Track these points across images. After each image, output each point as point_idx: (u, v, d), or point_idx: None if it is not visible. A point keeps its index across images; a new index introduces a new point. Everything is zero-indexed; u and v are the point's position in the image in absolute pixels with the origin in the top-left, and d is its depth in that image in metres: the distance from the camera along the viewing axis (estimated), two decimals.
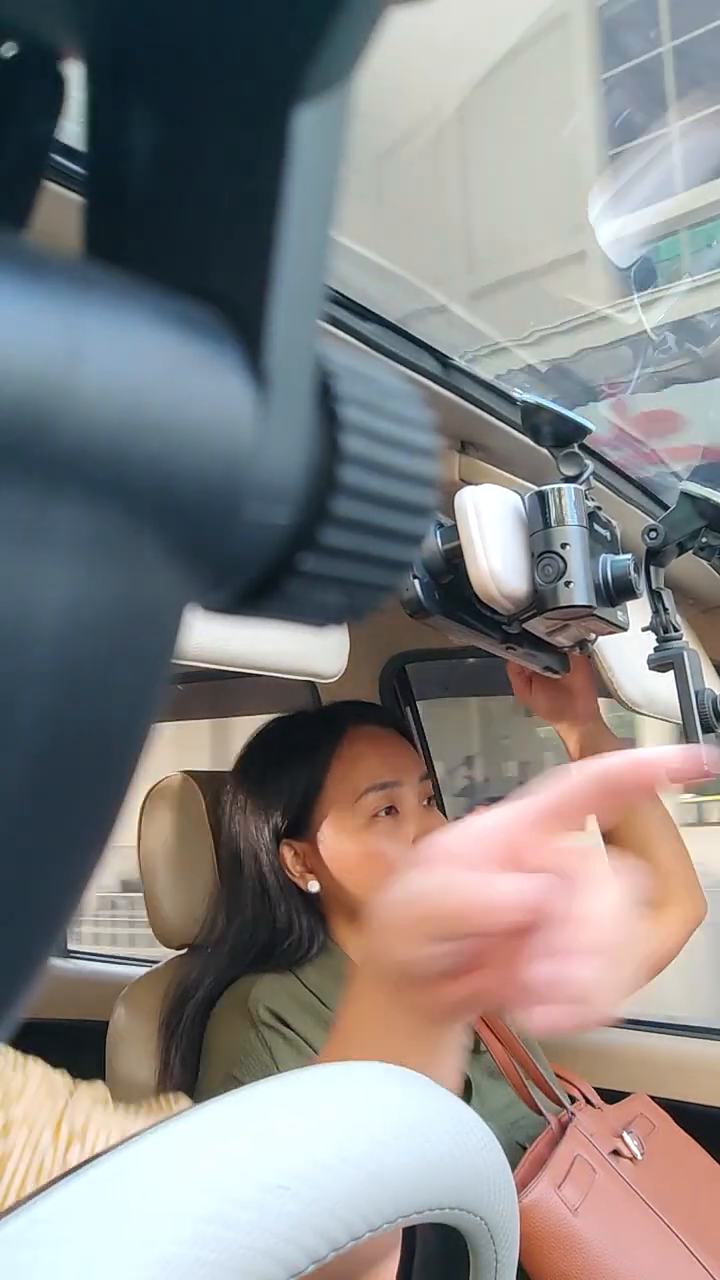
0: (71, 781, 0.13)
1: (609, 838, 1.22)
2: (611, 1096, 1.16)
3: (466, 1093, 1.03)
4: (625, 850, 1.21)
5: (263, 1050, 0.94)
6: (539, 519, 0.67)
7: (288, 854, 1.04)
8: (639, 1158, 1.03)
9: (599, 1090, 1.17)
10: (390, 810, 1.04)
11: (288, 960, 1.01)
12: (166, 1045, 1.04)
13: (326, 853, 1.03)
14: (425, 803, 1.09)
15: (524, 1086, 1.06)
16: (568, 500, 0.67)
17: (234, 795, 1.10)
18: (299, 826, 1.04)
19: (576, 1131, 1.00)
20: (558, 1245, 0.89)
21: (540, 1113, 1.03)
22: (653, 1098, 1.19)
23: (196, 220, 0.14)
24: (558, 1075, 1.13)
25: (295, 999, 0.98)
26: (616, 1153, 1.02)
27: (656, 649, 0.80)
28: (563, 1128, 1.00)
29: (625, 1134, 1.05)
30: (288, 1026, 0.95)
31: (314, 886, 1.03)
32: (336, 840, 1.03)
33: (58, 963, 1.91)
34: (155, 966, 1.26)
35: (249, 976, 1.01)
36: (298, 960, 1.02)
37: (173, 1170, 0.23)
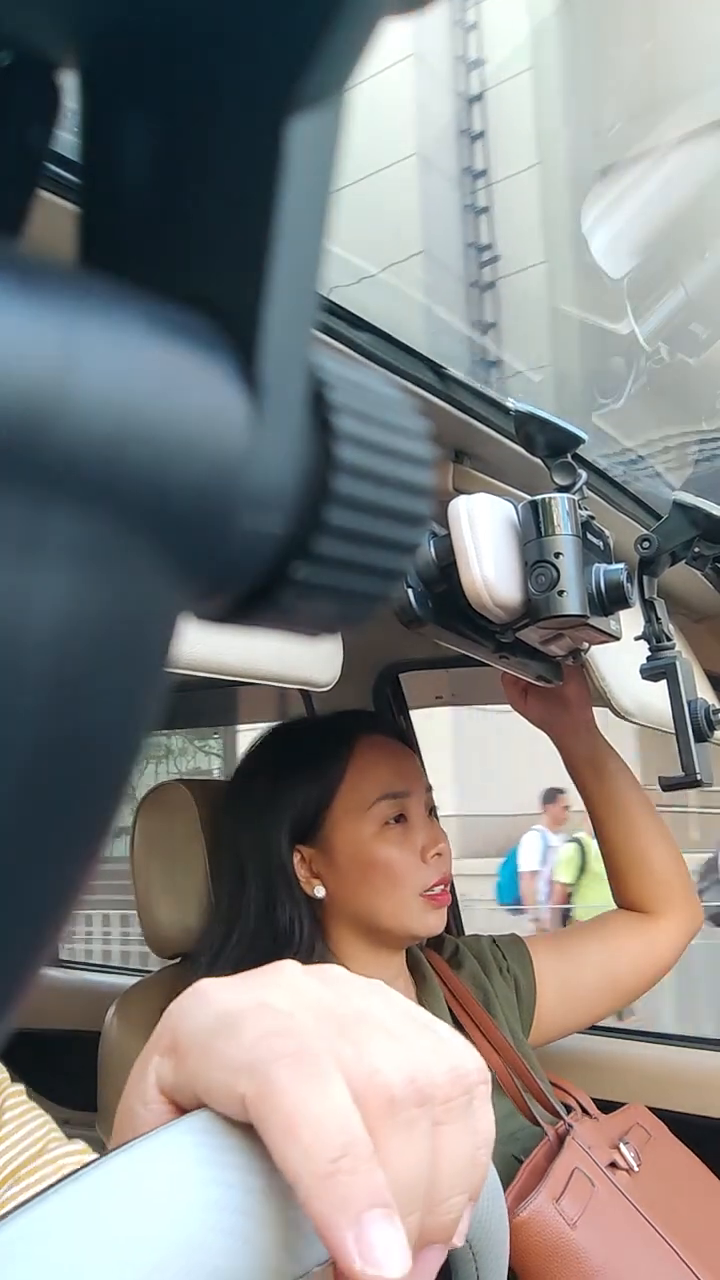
0: (65, 789, 0.13)
1: (605, 847, 1.22)
2: (607, 1107, 1.16)
3: None
4: (621, 859, 1.21)
5: None
6: (532, 528, 0.68)
7: (296, 859, 1.05)
8: (635, 1169, 1.03)
9: (595, 1100, 1.16)
10: (400, 819, 1.05)
11: None
12: None
13: (336, 858, 1.04)
14: (429, 813, 1.09)
15: (521, 1098, 1.05)
16: (561, 510, 0.67)
17: (240, 801, 1.10)
18: (309, 832, 1.05)
19: (574, 1143, 0.99)
20: (556, 1259, 0.88)
21: (537, 1124, 1.03)
22: (648, 1108, 1.19)
23: (191, 229, 0.14)
24: (554, 1085, 1.13)
25: None
26: (614, 1165, 1.02)
27: (649, 658, 0.80)
28: (560, 1139, 1.00)
29: (621, 1144, 1.05)
30: None
31: (320, 892, 1.04)
32: (347, 846, 1.04)
33: (50, 972, 1.91)
34: (148, 976, 1.25)
35: None
36: None
37: (153, 1181, 0.22)
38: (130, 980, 1.37)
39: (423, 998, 1.11)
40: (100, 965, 2.11)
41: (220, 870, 1.11)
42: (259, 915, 1.04)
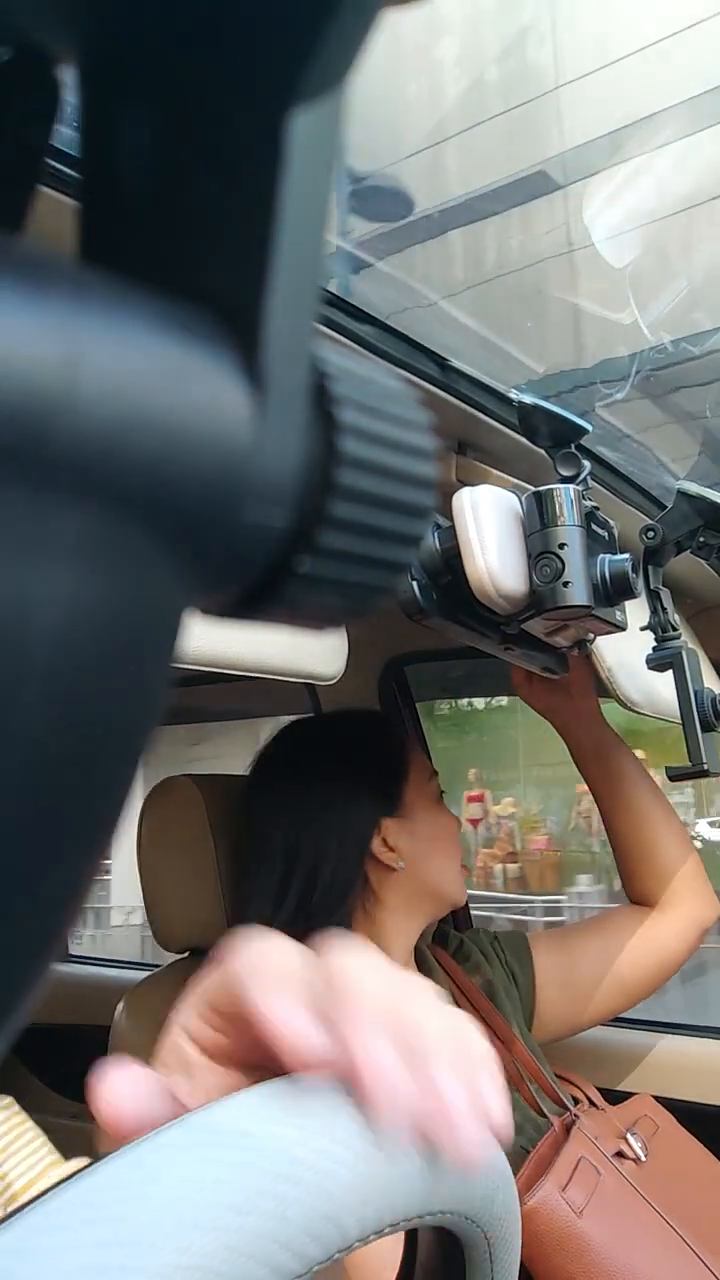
0: (72, 785, 0.13)
1: (612, 838, 1.21)
2: (615, 1097, 1.16)
3: None
4: (628, 850, 1.20)
5: None
6: (536, 519, 0.67)
7: (377, 833, 1.08)
8: (643, 1159, 1.03)
9: (601, 1090, 1.16)
10: (440, 795, 1.14)
11: None
12: None
13: (417, 828, 1.09)
14: None
15: (526, 1087, 1.05)
16: (565, 500, 0.67)
17: (310, 783, 1.10)
18: (393, 803, 1.09)
19: (580, 1133, 0.99)
20: (563, 1247, 0.89)
21: (543, 1115, 1.03)
22: (656, 1097, 1.18)
23: (192, 223, 0.14)
24: (559, 1076, 1.13)
25: None
26: (620, 1154, 1.02)
27: (655, 648, 0.80)
28: (566, 1130, 1.00)
29: (629, 1135, 1.05)
30: None
31: (400, 864, 1.08)
32: (425, 814, 1.11)
33: (59, 967, 1.91)
34: (157, 970, 1.26)
35: None
36: None
37: (168, 1174, 0.23)
38: (140, 975, 1.38)
39: None
40: (110, 960, 2.11)
41: (263, 856, 1.10)
42: (304, 894, 1.05)
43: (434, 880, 1.10)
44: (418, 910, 1.10)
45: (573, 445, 0.70)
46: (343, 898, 1.05)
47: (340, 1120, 0.26)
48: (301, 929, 1.02)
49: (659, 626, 0.80)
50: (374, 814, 1.08)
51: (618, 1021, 1.43)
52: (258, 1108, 0.26)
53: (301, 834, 1.07)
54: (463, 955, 1.19)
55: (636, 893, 1.21)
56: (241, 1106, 0.25)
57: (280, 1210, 0.23)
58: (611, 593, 0.68)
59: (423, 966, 1.14)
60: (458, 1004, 1.11)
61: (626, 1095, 1.17)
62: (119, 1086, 0.30)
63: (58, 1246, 0.20)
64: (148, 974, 1.26)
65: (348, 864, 1.06)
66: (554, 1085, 1.08)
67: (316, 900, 1.04)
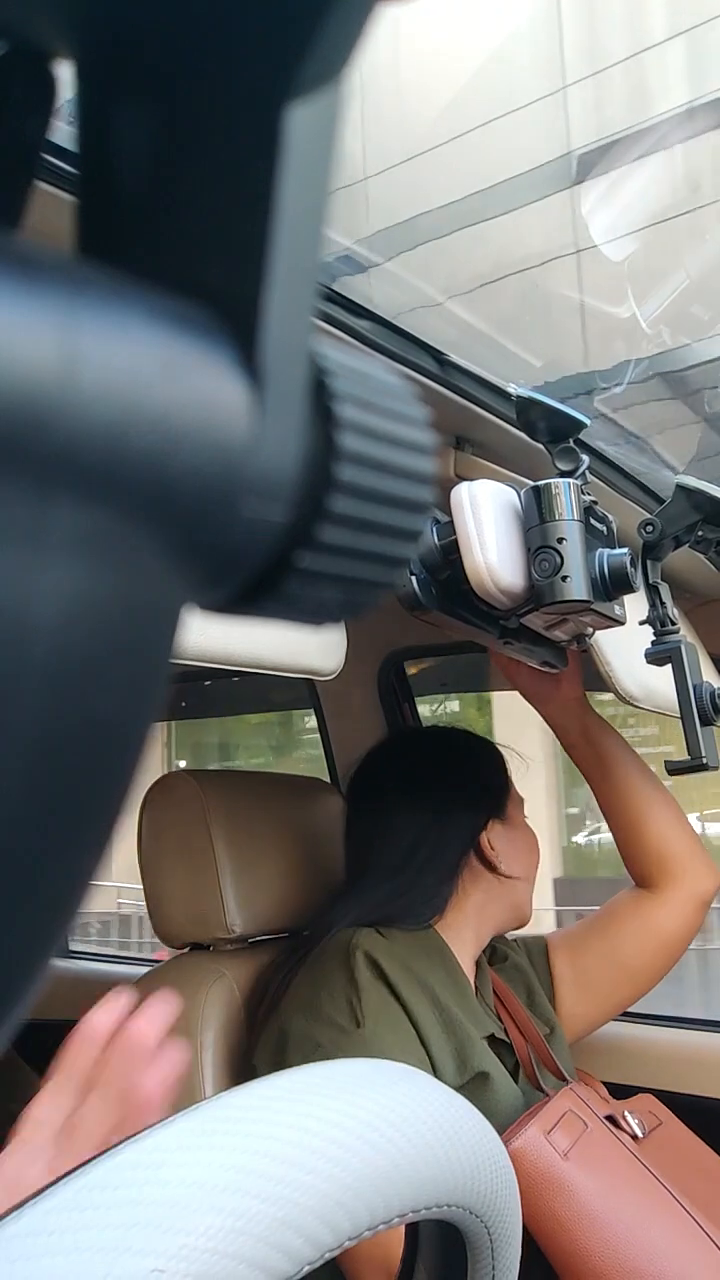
0: (71, 780, 0.13)
1: (609, 822, 1.22)
2: (621, 1092, 1.16)
3: (515, 1077, 1.06)
4: (622, 832, 1.21)
5: (353, 997, 0.96)
6: (535, 514, 0.67)
7: (484, 834, 1.13)
8: (640, 1136, 1.04)
9: (608, 1084, 1.17)
10: None
11: (389, 920, 1.06)
12: (278, 982, 1.08)
13: (516, 834, 1.17)
14: None
15: (530, 1064, 1.07)
16: (564, 495, 0.67)
17: (429, 782, 1.15)
18: (500, 809, 1.16)
19: (570, 1092, 1.01)
20: (547, 1187, 0.88)
21: (542, 1090, 1.04)
22: (661, 1091, 1.19)
23: (190, 218, 0.14)
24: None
25: (390, 953, 1.01)
26: (613, 1120, 1.02)
27: (654, 643, 0.80)
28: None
29: (626, 1113, 1.06)
30: (385, 978, 0.98)
31: (501, 864, 1.13)
32: (521, 827, 1.19)
33: (59, 963, 1.91)
34: (157, 966, 1.26)
35: (348, 929, 1.04)
36: (394, 924, 1.06)
37: (177, 1165, 0.23)
38: (140, 970, 1.38)
39: (479, 985, 1.14)
40: (111, 956, 2.12)
41: (374, 848, 1.13)
42: (410, 886, 1.09)
43: (518, 889, 1.15)
44: (494, 918, 1.15)
45: (571, 440, 0.70)
46: (445, 890, 1.09)
47: (354, 1113, 0.26)
48: (399, 916, 1.06)
49: (658, 621, 0.80)
50: (485, 814, 1.14)
51: (622, 1016, 1.43)
52: (272, 1099, 0.26)
53: (420, 827, 1.11)
54: (499, 958, 1.22)
55: (635, 874, 1.23)
56: (255, 1096, 0.26)
57: (293, 1196, 0.23)
58: (610, 587, 0.68)
59: (479, 971, 1.15)
60: (496, 1008, 1.13)
61: (632, 1091, 1.18)
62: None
63: (76, 1226, 0.21)
64: (149, 969, 1.26)
65: (455, 860, 1.11)
66: (565, 1070, 1.10)
67: (419, 891, 1.08)
